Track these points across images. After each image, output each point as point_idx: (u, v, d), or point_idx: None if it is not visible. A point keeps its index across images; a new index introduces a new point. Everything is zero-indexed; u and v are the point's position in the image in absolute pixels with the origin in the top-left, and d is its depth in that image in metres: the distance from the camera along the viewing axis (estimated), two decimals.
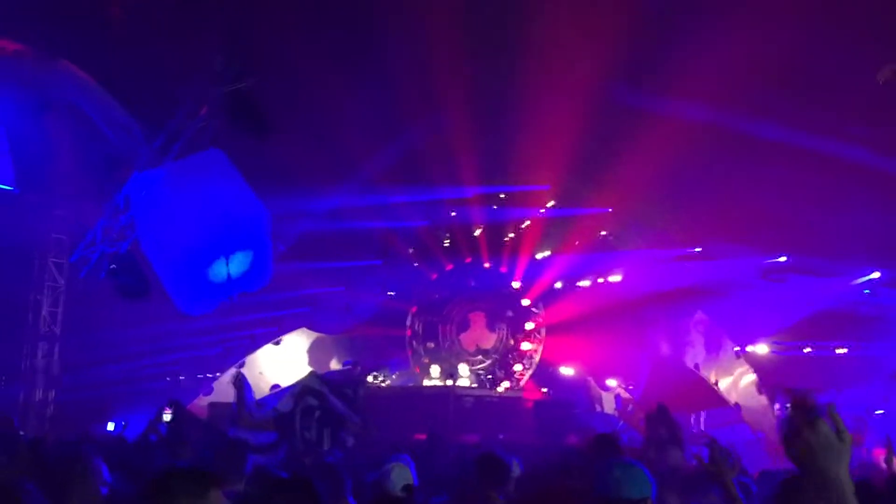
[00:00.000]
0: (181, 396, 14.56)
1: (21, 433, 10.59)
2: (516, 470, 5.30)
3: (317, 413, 7.05)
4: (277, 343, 17.78)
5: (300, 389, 7.80)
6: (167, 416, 7.93)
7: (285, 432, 6.91)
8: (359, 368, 15.16)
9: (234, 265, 8.58)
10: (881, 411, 14.54)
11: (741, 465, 7.42)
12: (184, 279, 8.51)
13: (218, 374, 16.73)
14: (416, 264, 18.87)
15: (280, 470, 4.70)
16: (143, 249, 8.79)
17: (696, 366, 15.45)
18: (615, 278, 18.03)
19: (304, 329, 18.29)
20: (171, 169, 8.54)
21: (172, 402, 8.18)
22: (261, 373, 17.16)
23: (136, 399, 14.17)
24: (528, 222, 18.34)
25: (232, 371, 7.32)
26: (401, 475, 4.35)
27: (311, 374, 9.51)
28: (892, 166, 12.12)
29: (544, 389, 17.47)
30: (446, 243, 18.92)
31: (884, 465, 10.73)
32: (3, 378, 14.35)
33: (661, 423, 9.42)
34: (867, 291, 15.58)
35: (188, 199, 8.30)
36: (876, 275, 15.01)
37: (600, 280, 18.25)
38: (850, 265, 15.16)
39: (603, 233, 18.12)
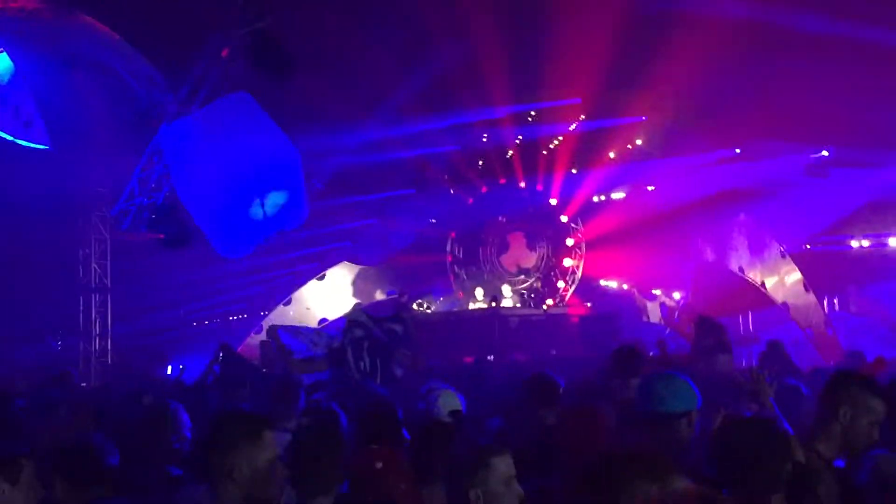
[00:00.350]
0: (232, 337, 14.97)
1: (83, 384, 10.98)
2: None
3: (365, 343, 7.15)
4: (322, 278, 18.03)
5: (346, 324, 7.87)
6: (217, 359, 8.13)
7: (339, 366, 7.03)
8: (406, 297, 15.32)
9: (270, 206, 8.64)
10: None
11: (792, 365, 7.42)
12: (221, 223, 8.61)
13: (265, 312, 17.09)
14: (451, 190, 18.81)
15: (332, 403, 4.81)
16: (180, 198, 8.88)
17: (741, 269, 15.33)
18: (653, 187, 17.81)
19: (347, 262, 18.49)
20: (200, 116, 8.54)
21: (222, 346, 8.35)
22: (308, 308, 17.50)
23: (190, 343, 14.58)
24: (561, 138, 18.10)
25: (266, 324, 7.37)
26: (447, 401, 4.42)
27: (355, 307, 9.58)
28: None
29: (589, 304, 17.52)
30: (480, 166, 18.80)
31: None
32: (61, 332, 14.83)
33: (707, 330, 9.43)
34: None
35: (219, 144, 8.32)
36: None
37: (639, 190, 18.04)
38: (893, 153, 14.77)
39: (638, 142, 17.81)
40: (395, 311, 14.77)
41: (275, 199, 8.72)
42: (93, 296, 14.53)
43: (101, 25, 9.72)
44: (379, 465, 3.11)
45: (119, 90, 9.28)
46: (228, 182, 8.38)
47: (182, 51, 9.07)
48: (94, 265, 14.45)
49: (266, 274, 17.30)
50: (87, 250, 14.39)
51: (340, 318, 8.50)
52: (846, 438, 3.22)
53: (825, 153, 15.65)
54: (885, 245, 15.47)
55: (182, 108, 8.82)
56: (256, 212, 8.60)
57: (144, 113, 8.96)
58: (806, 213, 15.55)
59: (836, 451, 3.23)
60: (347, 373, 6.90)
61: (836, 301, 15.33)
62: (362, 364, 6.96)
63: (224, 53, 9.02)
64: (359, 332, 7.52)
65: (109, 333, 14.57)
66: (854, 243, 15.70)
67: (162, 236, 9.87)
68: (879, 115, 13.62)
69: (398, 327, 8.14)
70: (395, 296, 15.93)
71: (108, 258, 14.53)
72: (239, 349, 14.26)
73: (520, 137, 18.15)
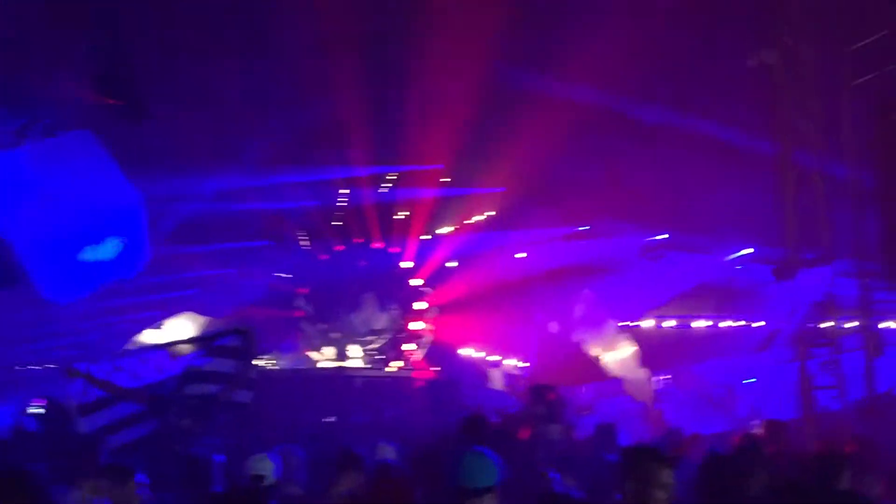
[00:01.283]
0: (57, 385, 14.00)
1: None
2: (391, 454, 5.33)
3: (194, 402, 6.81)
4: (160, 327, 17.28)
5: (183, 374, 7.40)
6: (34, 409, 7.56)
7: (159, 413, 6.65)
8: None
9: (106, 251, 8.22)
10: (752, 380, 15.38)
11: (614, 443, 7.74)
12: (50, 266, 8.10)
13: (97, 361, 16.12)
14: (305, 245, 18.65)
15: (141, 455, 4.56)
16: (4, 236, 8.30)
17: (582, 341, 15.93)
18: (505, 257, 18.31)
19: (191, 313, 17.84)
20: (34, 150, 8.08)
21: (46, 398, 7.80)
22: None
23: (7, 390, 13.51)
24: (418, 202, 18.38)
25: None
26: (256, 465, 4.31)
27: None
28: (764, 147, 12.74)
29: (435, 368, 17.63)
30: (337, 224, 18.76)
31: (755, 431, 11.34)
32: None
33: (537, 399, 9.72)
34: (739, 267, 16.37)
35: (53, 181, 7.87)
36: (749, 251, 15.77)
37: (490, 259, 18.49)
38: (724, 242, 15.89)
39: (494, 212, 18.35)
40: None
41: (112, 245, 8.30)
42: None
43: None
44: None
45: None
46: (61, 223, 7.91)
47: (21, 80, 8.60)
48: None
49: (102, 319, 16.41)
50: None
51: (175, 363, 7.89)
52: None
53: (665, 236, 16.65)
54: (713, 326, 16.51)
55: (15, 138, 8.29)
56: (91, 256, 8.15)
57: None
58: (643, 292, 16.41)
59: None
60: (167, 424, 6.54)
61: (666, 377, 16.13)
62: (183, 422, 6.61)
63: (69, 88, 8.63)
64: (193, 389, 7.13)
65: None
66: (691, 323, 16.67)
67: None
68: (712, 206, 14.69)
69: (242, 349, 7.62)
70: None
71: None
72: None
73: (379, 198, 18.30)
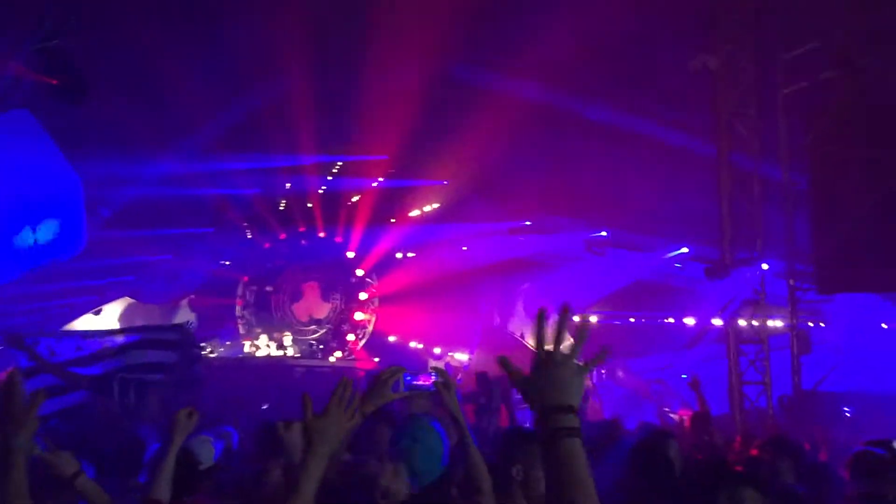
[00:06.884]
0: None
1: None
2: None
3: (133, 384, 6.76)
4: (97, 313, 16.94)
5: (126, 365, 7.31)
6: None
7: (99, 391, 6.58)
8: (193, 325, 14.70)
9: (42, 233, 8.07)
10: (684, 376, 15.76)
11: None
12: None
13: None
14: (248, 233, 18.48)
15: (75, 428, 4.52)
16: None
17: (522, 334, 16.13)
18: (449, 249, 18.42)
19: (128, 298, 17.54)
20: None
21: None
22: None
23: None
24: (363, 192, 18.37)
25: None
26: (197, 447, 4.34)
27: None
28: (702, 149, 13.08)
29: (377, 359, 17.66)
30: (280, 212, 18.64)
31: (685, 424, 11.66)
32: None
33: (481, 390, 9.89)
34: (679, 265, 16.75)
35: None
36: (685, 250, 16.16)
37: (434, 251, 18.59)
38: (662, 240, 16.25)
39: (437, 205, 18.43)
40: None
41: (48, 227, 8.15)
42: None
43: None
44: None
45: None
46: None
47: None
48: None
49: (36, 304, 16.02)
50: None
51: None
52: (527, 494, 3.34)
53: (604, 233, 16.95)
54: (648, 322, 16.89)
55: None
56: (26, 238, 7.99)
57: None
58: (582, 288, 16.69)
59: None
60: (108, 404, 6.48)
61: (603, 371, 16.42)
62: (126, 399, 6.57)
63: (9, 67, 8.43)
64: (131, 375, 7.08)
65: None
66: (622, 318, 17.02)
67: None
68: (651, 204, 15.01)
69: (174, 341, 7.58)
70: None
71: None
72: None
73: (323, 187, 18.24)
